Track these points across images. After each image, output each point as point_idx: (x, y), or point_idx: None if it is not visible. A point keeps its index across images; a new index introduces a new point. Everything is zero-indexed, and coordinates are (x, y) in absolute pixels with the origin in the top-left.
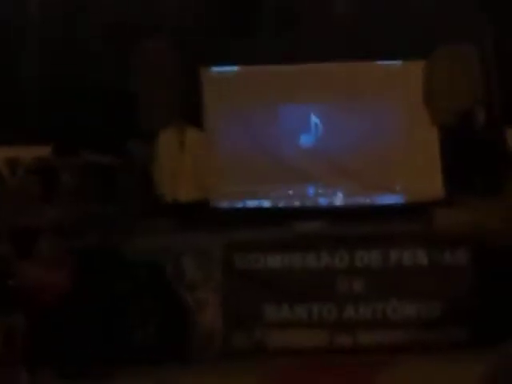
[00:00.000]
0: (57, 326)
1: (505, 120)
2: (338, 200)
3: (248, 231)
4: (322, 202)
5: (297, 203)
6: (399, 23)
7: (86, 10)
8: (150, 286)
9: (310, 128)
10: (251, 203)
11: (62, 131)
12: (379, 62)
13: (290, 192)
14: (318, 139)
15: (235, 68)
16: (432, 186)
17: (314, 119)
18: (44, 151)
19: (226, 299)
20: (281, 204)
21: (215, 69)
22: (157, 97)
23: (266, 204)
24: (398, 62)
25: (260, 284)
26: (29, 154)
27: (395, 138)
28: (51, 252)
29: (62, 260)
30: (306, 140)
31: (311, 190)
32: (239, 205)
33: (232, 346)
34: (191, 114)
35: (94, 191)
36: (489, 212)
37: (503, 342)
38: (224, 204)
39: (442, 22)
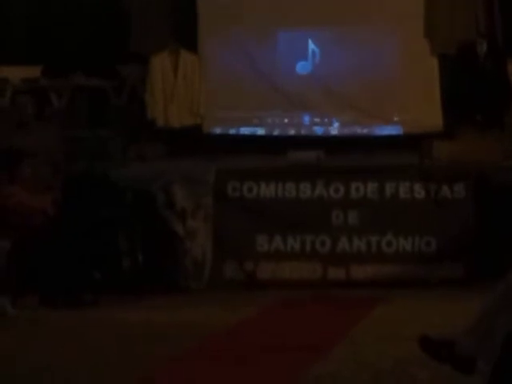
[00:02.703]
0: (43, 251)
1: (507, 52)
2: (334, 129)
3: (241, 159)
4: (318, 130)
5: (292, 131)
6: None
7: None
8: (140, 213)
9: (308, 55)
10: (245, 130)
11: (52, 53)
12: None
13: (286, 120)
14: (316, 67)
15: None
16: (431, 117)
17: (312, 46)
18: (33, 72)
19: (218, 228)
20: (275, 132)
21: None
22: (150, 18)
23: (261, 131)
24: None
25: (252, 213)
26: (18, 74)
27: (394, 67)
28: (38, 176)
29: (49, 184)
30: (303, 67)
31: (307, 119)
32: (233, 132)
33: (222, 277)
34: (186, 37)
35: (85, 114)
36: (489, 146)
37: (499, 278)
38: (217, 130)
39: None
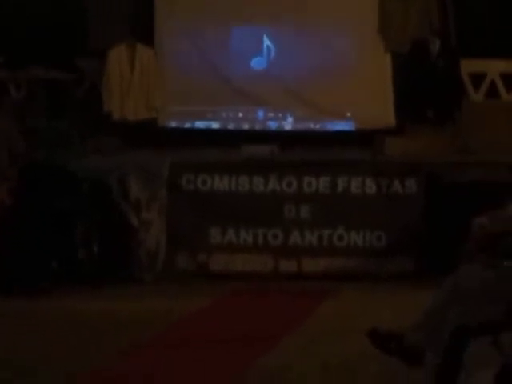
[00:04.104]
0: (0, 240)
1: (460, 50)
2: (288, 124)
3: (196, 152)
4: (272, 125)
5: (246, 126)
6: None
7: None
8: (96, 204)
9: (263, 50)
10: (200, 124)
11: (11, 45)
12: None
13: (240, 114)
14: (270, 62)
15: None
16: (383, 113)
17: (266, 41)
18: None
19: (171, 220)
20: (230, 126)
21: None
22: (108, 12)
23: (215, 125)
24: None
25: (206, 206)
26: None
27: (348, 63)
28: None
29: (5, 174)
30: (257, 62)
31: (261, 113)
32: (188, 125)
33: (175, 268)
34: (143, 31)
35: (43, 106)
36: (440, 142)
37: (448, 273)
38: (172, 124)
39: None
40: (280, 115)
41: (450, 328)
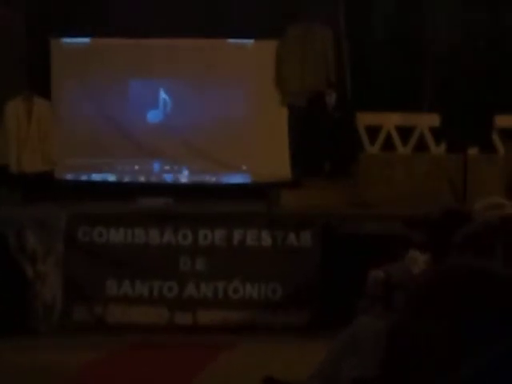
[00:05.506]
0: None
1: (355, 103)
2: (184, 177)
3: (92, 205)
4: (168, 178)
5: (142, 178)
6: (252, 1)
7: None
8: None
9: (159, 104)
10: (96, 176)
11: None
12: (231, 40)
13: (136, 167)
14: (167, 115)
15: (86, 40)
16: (279, 166)
17: (163, 95)
18: None
19: (68, 272)
20: (126, 179)
21: (66, 40)
22: (4, 65)
23: (111, 178)
24: (249, 41)
25: (102, 258)
26: None
27: (244, 117)
28: None
29: None
30: (154, 115)
31: (157, 166)
32: (84, 178)
33: (72, 320)
34: (40, 84)
35: None
36: (335, 195)
37: (343, 325)
38: (69, 176)
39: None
40: (176, 168)
41: (347, 379)
